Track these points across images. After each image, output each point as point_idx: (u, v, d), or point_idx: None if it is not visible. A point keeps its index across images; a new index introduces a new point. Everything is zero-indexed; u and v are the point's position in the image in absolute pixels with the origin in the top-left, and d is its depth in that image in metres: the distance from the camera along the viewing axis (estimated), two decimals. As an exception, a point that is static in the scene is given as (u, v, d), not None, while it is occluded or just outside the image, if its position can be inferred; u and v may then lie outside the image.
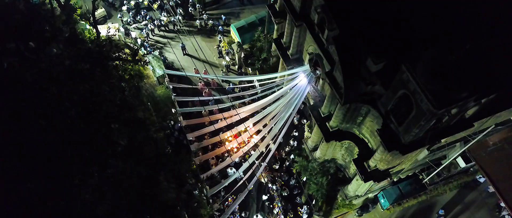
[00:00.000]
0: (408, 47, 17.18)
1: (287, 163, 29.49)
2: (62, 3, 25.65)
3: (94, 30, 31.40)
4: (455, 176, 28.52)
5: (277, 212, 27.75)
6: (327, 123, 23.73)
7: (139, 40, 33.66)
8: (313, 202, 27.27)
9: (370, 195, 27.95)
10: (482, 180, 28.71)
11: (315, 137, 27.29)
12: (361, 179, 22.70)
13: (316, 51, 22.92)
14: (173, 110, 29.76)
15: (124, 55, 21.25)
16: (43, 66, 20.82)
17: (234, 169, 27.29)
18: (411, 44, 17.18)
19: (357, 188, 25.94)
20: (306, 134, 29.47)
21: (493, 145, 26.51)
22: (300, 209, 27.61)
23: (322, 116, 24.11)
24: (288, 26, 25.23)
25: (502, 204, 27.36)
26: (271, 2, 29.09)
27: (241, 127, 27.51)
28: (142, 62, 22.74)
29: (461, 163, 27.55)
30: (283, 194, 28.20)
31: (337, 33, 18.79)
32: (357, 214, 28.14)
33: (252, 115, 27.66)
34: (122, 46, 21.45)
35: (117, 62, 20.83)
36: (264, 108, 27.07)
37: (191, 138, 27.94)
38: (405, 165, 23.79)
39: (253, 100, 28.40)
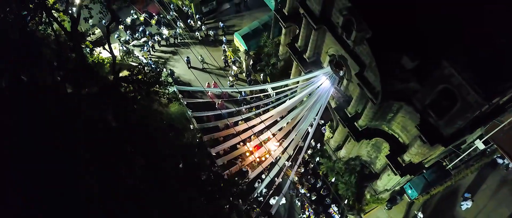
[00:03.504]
0: (442, 43, 17.32)
1: (311, 166, 29.46)
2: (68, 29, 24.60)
3: (94, 54, 30.41)
4: (474, 158, 29.25)
5: (309, 216, 27.70)
6: (355, 123, 23.82)
7: (143, 59, 32.86)
8: (345, 202, 27.35)
9: (397, 187, 28.29)
10: (500, 160, 29.61)
11: (339, 137, 27.39)
12: (398, 174, 22.93)
13: (338, 53, 22.95)
14: (191, 127, 29.16)
15: (147, 79, 20.69)
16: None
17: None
18: (444, 40, 17.31)
19: (387, 182, 26.23)
20: (327, 134, 29.53)
21: (509, 125, 27.28)
22: (333, 209, 27.61)
23: (349, 116, 24.18)
24: (303, 30, 25.10)
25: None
26: (278, 6, 28.96)
27: (264, 136, 27.38)
28: (167, 84, 22.16)
29: (480, 145, 28.28)
30: (312, 198, 28.16)
31: (369, 34, 18.82)
32: (386, 208, 28.44)
33: (274, 123, 27.50)
34: (150, 70, 20.84)
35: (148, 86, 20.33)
36: (287, 113, 26.91)
37: (214, 153, 27.51)
38: (435, 154, 24.22)
39: (274, 108, 28.12)
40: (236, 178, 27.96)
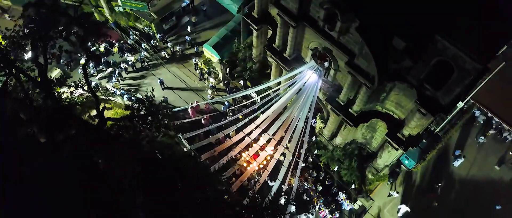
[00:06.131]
0: (426, 20, 17.91)
1: (311, 159, 29.67)
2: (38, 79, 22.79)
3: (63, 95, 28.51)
4: (456, 116, 30.91)
5: (319, 208, 27.91)
6: (350, 109, 24.23)
7: (116, 91, 31.25)
8: (353, 187, 27.86)
9: (394, 161, 29.27)
10: (477, 112, 31.59)
11: (332, 125, 27.74)
12: (401, 149, 23.66)
13: (322, 46, 23.18)
14: (184, 149, 28.19)
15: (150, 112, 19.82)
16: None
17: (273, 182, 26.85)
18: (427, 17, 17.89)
19: (388, 158, 27.04)
20: (319, 125, 29.80)
21: (483, 80, 29.06)
22: (342, 197, 28.00)
23: (342, 104, 24.55)
24: (280, 30, 25.04)
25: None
26: (246, 11, 28.72)
27: (261, 142, 27.14)
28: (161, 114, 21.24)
29: (460, 104, 29.92)
30: (319, 189, 28.42)
31: (356, 23, 19.13)
32: (389, 182, 29.34)
33: (268, 127, 27.30)
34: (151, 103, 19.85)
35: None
36: (279, 115, 26.83)
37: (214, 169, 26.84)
38: (427, 122, 25.25)
39: (263, 113, 27.86)
40: (249, 192, 27.57)
